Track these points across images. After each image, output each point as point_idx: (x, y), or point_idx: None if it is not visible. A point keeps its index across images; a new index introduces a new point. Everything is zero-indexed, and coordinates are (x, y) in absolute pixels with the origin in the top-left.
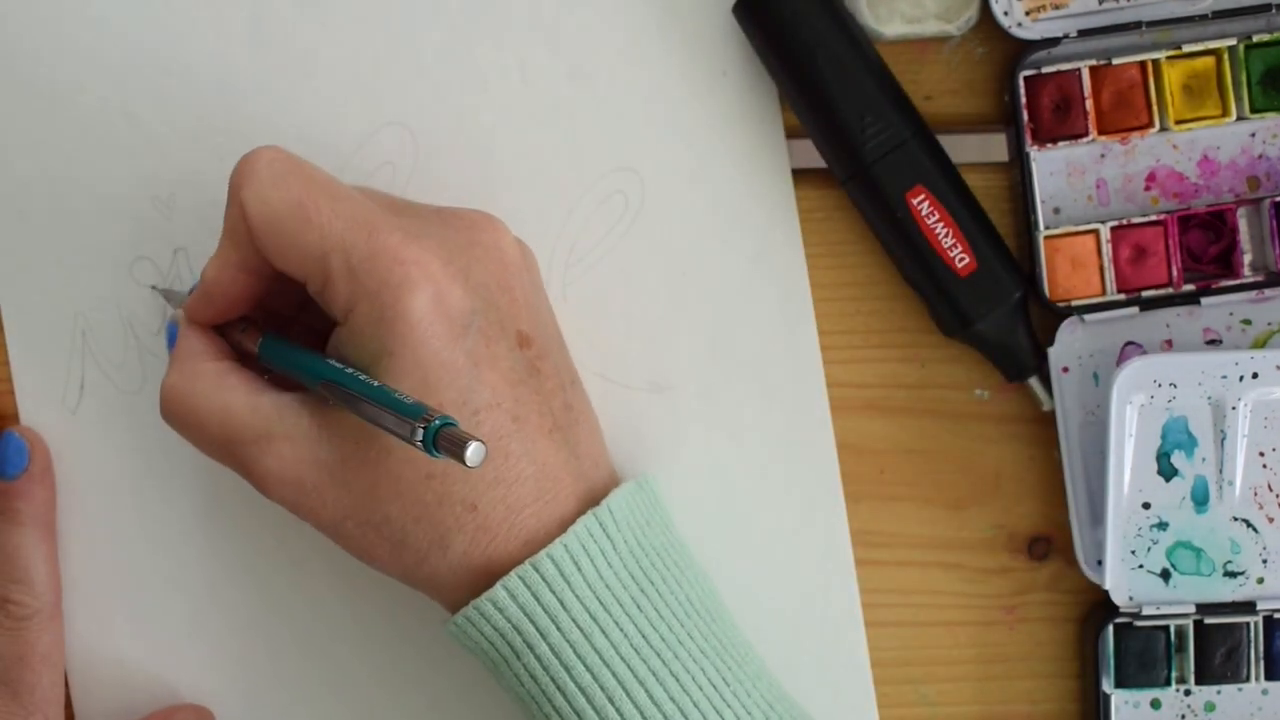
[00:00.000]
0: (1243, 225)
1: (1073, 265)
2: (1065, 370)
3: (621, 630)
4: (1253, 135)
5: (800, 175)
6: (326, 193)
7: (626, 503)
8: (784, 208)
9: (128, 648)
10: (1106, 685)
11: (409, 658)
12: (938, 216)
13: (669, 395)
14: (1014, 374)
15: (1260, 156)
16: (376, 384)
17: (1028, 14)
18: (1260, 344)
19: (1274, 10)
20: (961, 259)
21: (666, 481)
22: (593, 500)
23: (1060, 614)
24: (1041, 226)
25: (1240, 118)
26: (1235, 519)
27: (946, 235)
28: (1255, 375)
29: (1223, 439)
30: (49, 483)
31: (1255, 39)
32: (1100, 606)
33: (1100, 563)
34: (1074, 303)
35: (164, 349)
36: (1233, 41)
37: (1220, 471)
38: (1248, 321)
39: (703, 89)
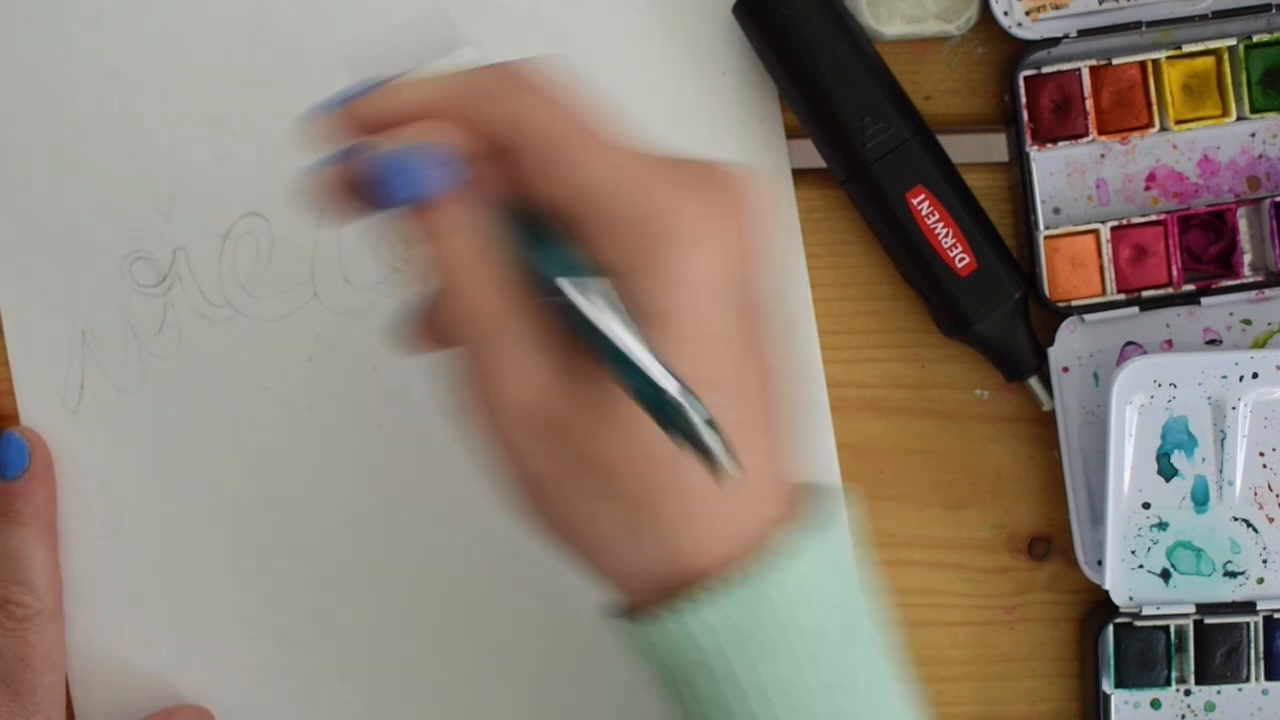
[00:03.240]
0: (1243, 225)
1: (1073, 265)
2: (1065, 370)
3: (835, 667)
4: (1253, 135)
5: (800, 175)
6: (594, 136)
7: (844, 516)
8: (784, 208)
9: (128, 648)
10: (1106, 685)
11: (411, 657)
12: (938, 217)
13: None
14: (1014, 374)
15: (1260, 156)
16: (646, 345)
17: (1028, 14)
18: (1260, 344)
19: (1274, 10)
20: (961, 259)
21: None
22: (793, 499)
23: (1060, 614)
24: (1041, 226)
25: (1240, 118)
26: (1235, 519)
27: (947, 235)
28: (1255, 375)
29: (1223, 439)
30: (50, 483)
31: (1255, 39)
32: (1100, 607)
33: (1100, 563)
34: (1074, 303)
35: (164, 350)
36: (1232, 41)
37: (1220, 472)
38: (1248, 322)
39: (703, 89)
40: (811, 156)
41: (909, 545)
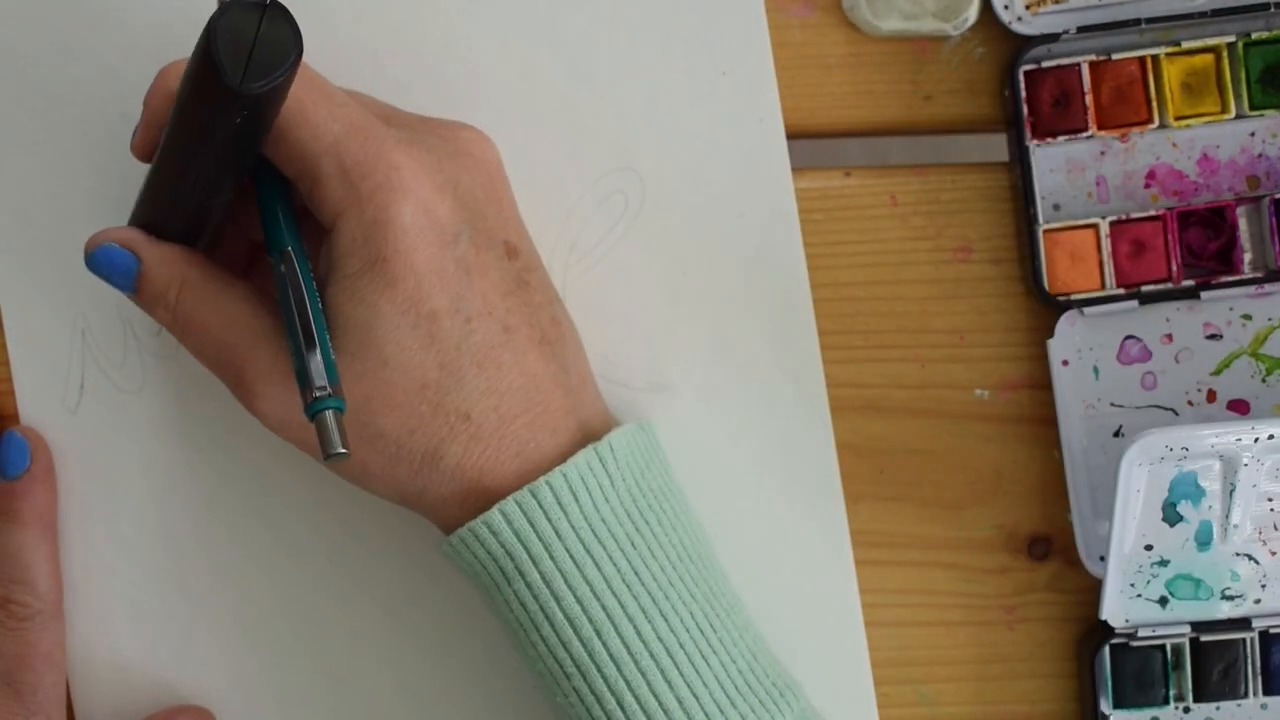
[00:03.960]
0: (1242, 224)
1: (1072, 259)
2: (1065, 364)
3: (615, 565)
4: (1252, 134)
5: (800, 174)
6: (324, 94)
7: (628, 442)
8: (784, 208)
9: (128, 647)
10: (1105, 706)
11: (410, 659)
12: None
13: (669, 395)
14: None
15: (1260, 155)
16: (320, 309)
17: (1028, 8)
18: (1261, 339)
19: (1272, 8)
20: None
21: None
22: (584, 419)
23: (1060, 614)
24: (1041, 220)
25: (1239, 115)
26: (1238, 554)
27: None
28: (1271, 437)
29: (1232, 490)
30: (50, 483)
31: (1254, 36)
32: (1097, 628)
33: (1102, 558)
34: (1073, 296)
35: (165, 350)
36: (1232, 39)
37: (1227, 517)
38: (1248, 317)
39: (703, 89)
40: (812, 156)
41: (909, 545)
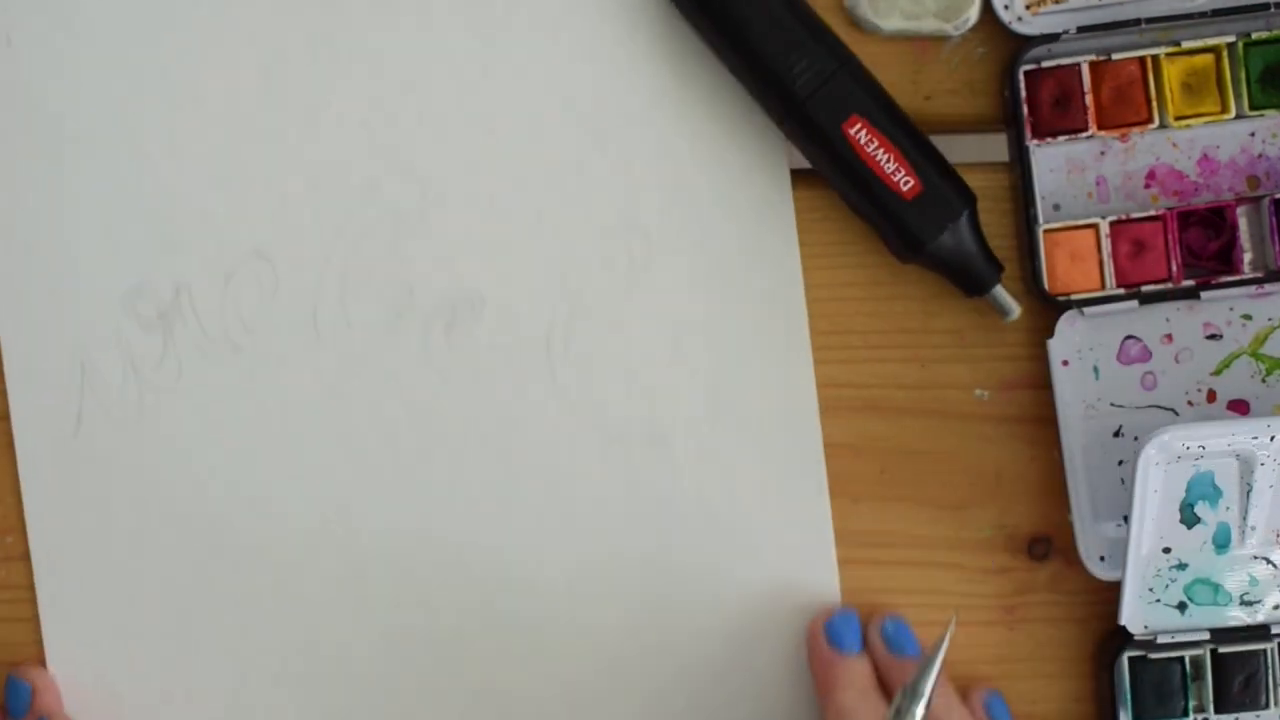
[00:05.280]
0: (1243, 224)
1: (1072, 259)
2: (1065, 364)
3: None
4: (1252, 134)
5: (798, 175)
6: None
7: None
8: (789, 267)
9: (121, 681)
10: (1124, 718)
11: (406, 695)
12: (877, 144)
13: (665, 449)
14: (974, 288)
15: (1260, 155)
16: None
17: (1028, 8)
18: (1261, 339)
19: (1272, 9)
20: (906, 182)
21: (661, 533)
22: None
23: (1060, 614)
24: (1041, 220)
25: (1239, 115)
26: (1256, 558)
27: (888, 161)
28: None
29: (1249, 491)
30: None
31: (1254, 36)
32: (1113, 636)
33: (1104, 558)
34: (1073, 296)
35: (164, 384)
36: (1232, 39)
37: (1244, 519)
38: (1248, 317)
39: (711, 149)
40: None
41: (909, 545)
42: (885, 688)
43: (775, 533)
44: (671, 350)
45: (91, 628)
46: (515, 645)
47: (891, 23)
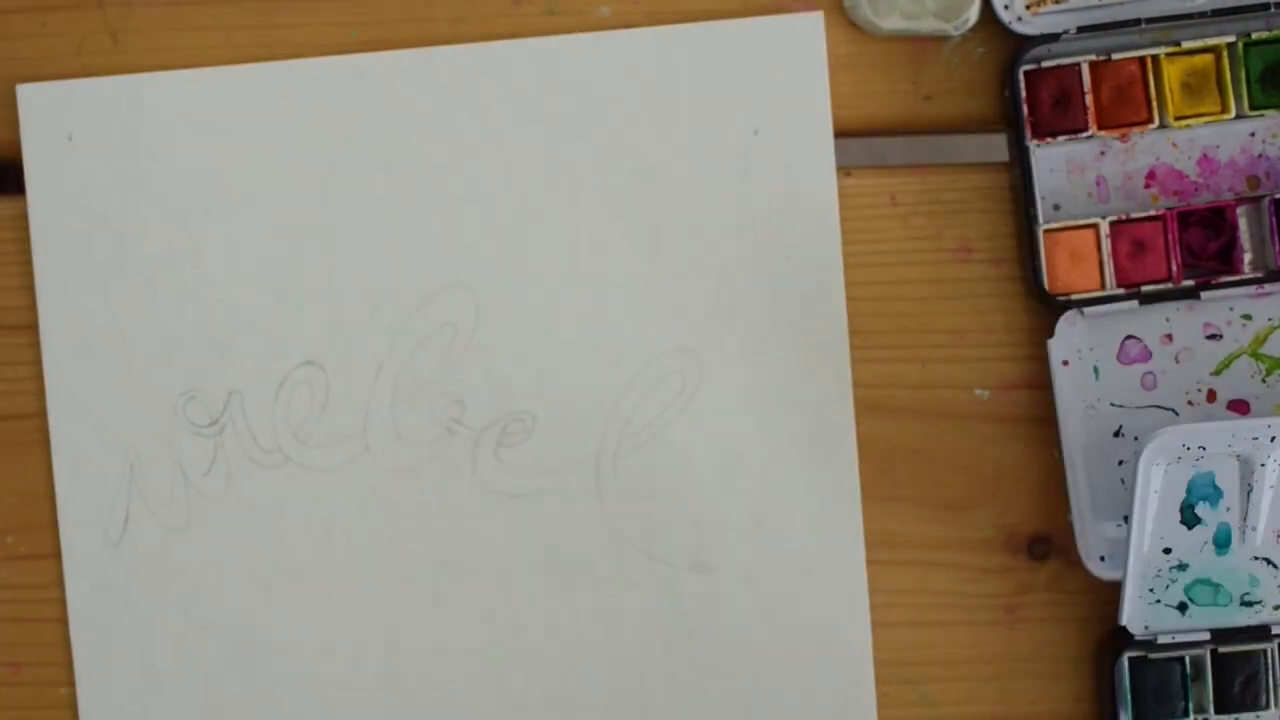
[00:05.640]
0: (1243, 224)
1: (1072, 259)
2: (1065, 364)
3: None
4: (1252, 134)
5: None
6: None
7: None
8: (843, 403)
9: None
10: (1125, 719)
11: None
12: None
13: (712, 577)
14: None
15: (1260, 155)
16: None
17: (1028, 8)
18: (1261, 339)
19: (1272, 9)
20: None
21: (702, 661)
22: None
23: (1060, 614)
24: (1041, 220)
25: (1239, 115)
26: (1256, 558)
27: None
28: None
29: (1249, 491)
30: None
31: (1254, 36)
32: (1113, 636)
33: (1104, 558)
34: (1073, 296)
35: (212, 491)
36: (1231, 39)
37: (1245, 519)
38: (1248, 317)
39: (771, 275)
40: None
41: (909, 545)
42: None
43: (817, 668)
44: (720, 476)
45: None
46: None
47: (891, 22)
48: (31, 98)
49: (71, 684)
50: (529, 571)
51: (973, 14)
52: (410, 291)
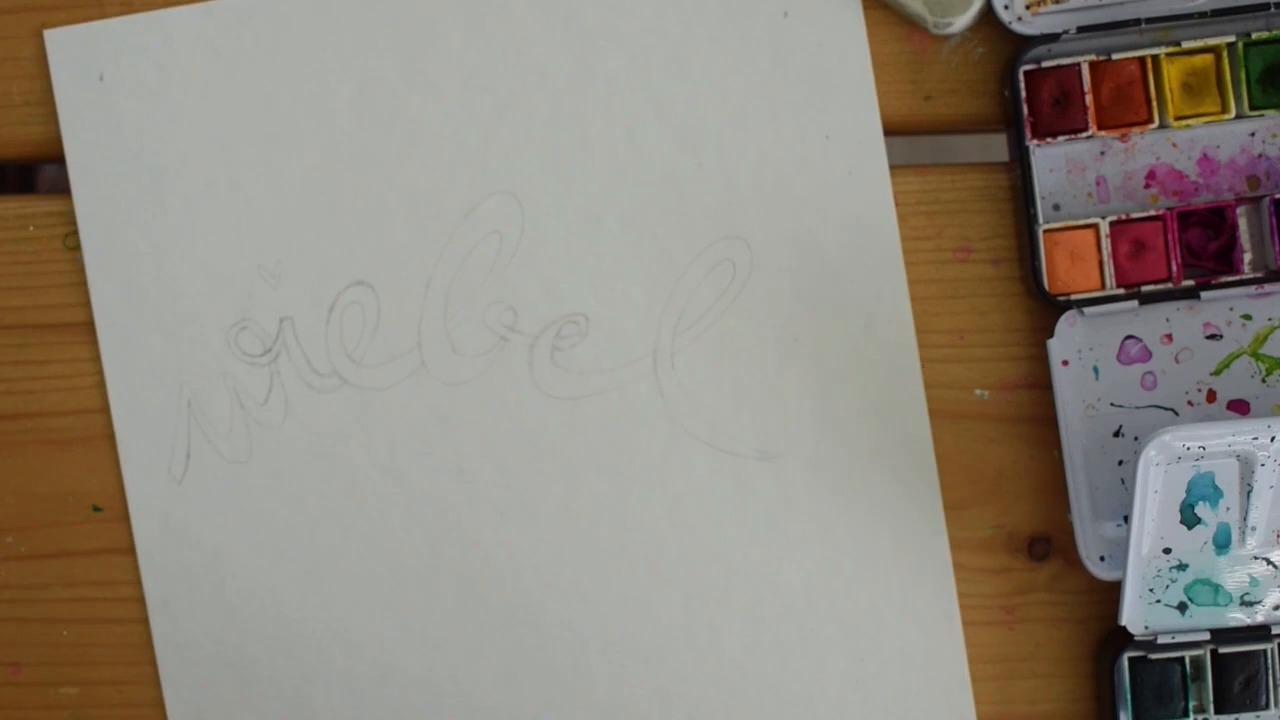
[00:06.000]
0: (1242, 224)
1: (1072, 259)
2: (1065, 364)
3: None
4: (1252, 134)
5: None
6: None
7: None
8: (893, 274)
9: (235, 717)
10: (1125, 718)
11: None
12: None
13: (777, 462)
14: None
15: (1260, 155)
16: None
17: (1028, 8)
18: (1261, 339)
19: (1272, 8)
20: None
21: (774, 547)
22: None
23: (1060, 615)
24: (1041, 220)
25: (1239, 115)
26: (1256, 558)
27: None
28: None
29: (1249, 491)
30: None
31: (1254, 36)
32: (1114, 637)
33: (1104, 558)
34: (1073, 296)
35: (271, 420)
36: (1231, 39)
37: (1245, 519)
38: (1248, 317)
39: (811, 156)
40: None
41: None
42: None
43: (890, 551)
44: (778, 361)
45: (206, 669)
46: (631, 667)
47: None
48: (60, 41)
49: (73, 684)
50: (594, 473)
51: (958, 23)
52: (454, 203)
